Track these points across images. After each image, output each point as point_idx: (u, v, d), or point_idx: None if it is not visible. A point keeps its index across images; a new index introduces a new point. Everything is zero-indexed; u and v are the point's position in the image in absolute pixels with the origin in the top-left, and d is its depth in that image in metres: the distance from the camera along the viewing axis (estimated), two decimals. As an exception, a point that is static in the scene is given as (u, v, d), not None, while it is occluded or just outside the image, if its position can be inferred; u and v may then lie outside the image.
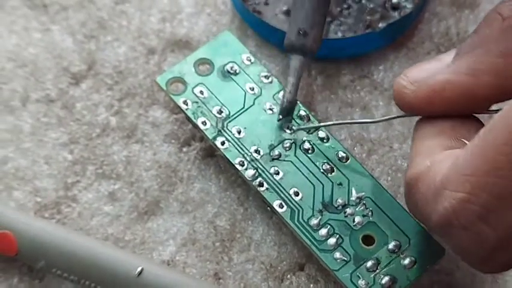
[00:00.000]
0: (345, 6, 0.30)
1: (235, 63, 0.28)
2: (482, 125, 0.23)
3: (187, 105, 0.28)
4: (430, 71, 0.23)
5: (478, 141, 0.20)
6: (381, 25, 0.29)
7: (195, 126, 0.28)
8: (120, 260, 0.25)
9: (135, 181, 0.28)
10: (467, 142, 0.22)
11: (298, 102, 0.28)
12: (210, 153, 0.29)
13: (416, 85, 0.23)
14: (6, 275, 0.27)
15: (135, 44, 0.31)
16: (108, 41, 0.31)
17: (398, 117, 0.25)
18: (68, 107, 0.30)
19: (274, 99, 0.28)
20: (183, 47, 0.31)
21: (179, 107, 0.28)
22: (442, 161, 0.21)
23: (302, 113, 0.28)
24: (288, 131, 0.27)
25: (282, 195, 0.26)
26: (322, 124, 0.27)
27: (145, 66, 0.30)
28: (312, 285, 0.26)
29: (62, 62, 0.30)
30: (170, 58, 0.31)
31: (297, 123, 0.27)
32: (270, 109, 0.28)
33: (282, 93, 0.28)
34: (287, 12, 0.29)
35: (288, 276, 0.27)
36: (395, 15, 0.29)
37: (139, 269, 0.25)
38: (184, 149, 0.29)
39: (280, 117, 0.27)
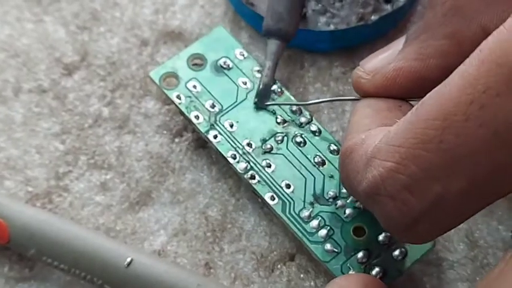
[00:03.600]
0: (338, -2, 0.30)
1: (228, 58, 0.29)
2: None
3: (180, 99, 0.28)
4: (382, 60, 0.24)
5: (410, 115, 0.20)
6: (373, 18, 0.29)
7: (188, 120, 0.28)
8: (111, 250, 0.25)
9: (126, 171, 0.28)
10: None
11: (291, 97, 0.28)
12: (202, 144, 0.29)
13: (371, 75, 0.24)
14: (-3, 264, 0.27)
15: (128, 35, 0.31)
16: (101, 32, 0.31)
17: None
18: (60, 97, 0.30)
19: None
20: (176, 39, 0.31)
21: (172, 101, 0.28)
22: (376, 134, 0.22)
23: (294, 107, 0.28)
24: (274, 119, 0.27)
25: (274, 187, 0.26)
26: (303, 103, 0.28)
27: (138, 57, 0.30)
28: (302, 275, 0.26)
29: (55, 53, 0.30)
30: (163, 50, 0.31)
31: (289, 116, 0.28)
32: None
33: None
34: (280, 5, 0.29)
35: (279, 266, 0.27)
36: (388, 8, 0.29)
37: (128, 259, 0.25)
38: (176, 140, 0.29)
39: (256, 100, 0.28)
